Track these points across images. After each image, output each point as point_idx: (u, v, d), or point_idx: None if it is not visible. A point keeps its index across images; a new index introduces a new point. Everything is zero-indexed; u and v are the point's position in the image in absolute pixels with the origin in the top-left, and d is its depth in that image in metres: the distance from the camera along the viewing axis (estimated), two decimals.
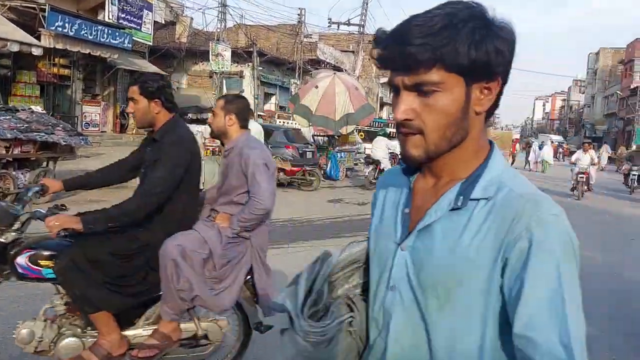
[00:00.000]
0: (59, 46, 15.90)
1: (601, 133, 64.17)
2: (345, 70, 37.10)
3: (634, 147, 30.86)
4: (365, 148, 19.01)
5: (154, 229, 2.96)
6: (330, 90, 15.56)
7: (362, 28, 29.82)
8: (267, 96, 31.23)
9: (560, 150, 38.33)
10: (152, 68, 22.13)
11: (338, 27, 30.00)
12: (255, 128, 12.00)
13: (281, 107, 31.10)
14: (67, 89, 18.65)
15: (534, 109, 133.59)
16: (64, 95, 18.55)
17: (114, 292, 2.85)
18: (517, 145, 31.34)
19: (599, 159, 33.03)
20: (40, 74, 17.20)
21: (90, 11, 18.53)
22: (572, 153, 36.90)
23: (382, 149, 14.95)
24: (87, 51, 16.86)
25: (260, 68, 25.61)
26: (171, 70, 26.03)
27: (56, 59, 17.62)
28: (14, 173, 8.84)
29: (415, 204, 1.13)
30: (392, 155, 15.34)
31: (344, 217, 10.26)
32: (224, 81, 24.02)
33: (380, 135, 15.58)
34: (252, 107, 28.71)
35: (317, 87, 15.71)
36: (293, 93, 31.74)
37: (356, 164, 18.66)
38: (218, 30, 25.12)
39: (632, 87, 54.14)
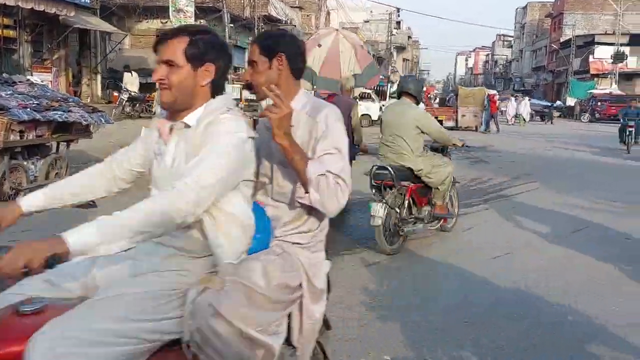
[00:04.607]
0: (10, 2, 13.30)
1: (529, 86, 66.25)
2: (295, 26, 35.29)
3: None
4: None
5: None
6: (334, 49, 14.01)
7: None
8: None
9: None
10: (107, 27, 19.57)
11: None
12: None
13: (235, 69, 29.01)
14: (14, 53, 15.91)
15: (455, 64, 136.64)
16: (9, 60, 15.81)
17: None
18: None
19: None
20: None
21: None
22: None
23: None
24: (42, 7, 14.28)
25: (231, 27, 23.35)
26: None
27: None
28: (25, 163, 6.93)
29: None
30: None
31: None
32: None
33: (393, 97, 14.36)
34: None
35: (320, 45, 14.09)
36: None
37: None
38: None
39: (562, 40, 55.82)
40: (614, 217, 7.63)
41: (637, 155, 15.73)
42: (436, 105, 28.78)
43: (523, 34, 71.13)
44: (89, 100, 19.35)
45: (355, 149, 6.81)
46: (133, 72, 19.93)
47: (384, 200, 5.47)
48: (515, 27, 77.03)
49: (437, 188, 5.88)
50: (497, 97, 26.89)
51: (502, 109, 33.00)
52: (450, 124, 24.76)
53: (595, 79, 47.91)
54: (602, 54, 47.98)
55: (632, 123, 17.37)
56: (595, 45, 49.22)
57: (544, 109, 38.14)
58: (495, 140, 20.94)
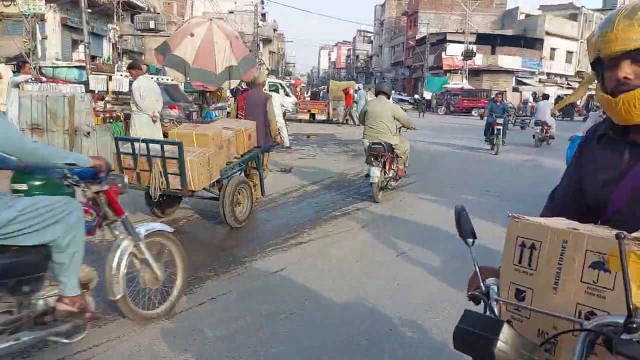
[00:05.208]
0: None
1: (389, 80, 69.48)
2: (159, 14, 33.50)
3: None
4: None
5: None
6: (208, 39, 13.27)
7: None
8: (75, 43, 26.58)
9: None
10: None
11: None
12: (150, 84, 9.58)
13: (93, 57, 26.77)
14: None
15: (319, 58, 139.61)
16: None
17: None
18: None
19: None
20: None
21: None
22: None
23: (277, 106, 13.39)
24: None
25: (88, 12, 21.29)
26: None
27: None
28: None
29: None
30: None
31: (295, 187, 8.80)
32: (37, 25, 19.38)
33: (272, 90, 13.97)
34: (61, 56, 24.20)
35: (192, 35, 13.26)
36: (112, 41, 27.57)
37: None
38: None
39: (417, 37, 59.21)
40: (491, 209, 8.00)
41: (505, 154, 15.24)
42: (308, 99, 28.91)
43: (382, 30, 74.42)
44: None
45: (272, 142, 7.71)
46: None
47: (379, 166, 7.82)
48: (375, 23, 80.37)
49: (401, 157, 8.46)
50: (352, 90, 26.42)
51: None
52: (323, 117, 25.01)
53: (448, 74, 51.47)
54: (453, 51, 51.64)
55: (500, 121, 15.27)
56: (447, 43, 52.87)
57: (399, 102, 40.19)
58: None
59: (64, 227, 2.82)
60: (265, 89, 22.64)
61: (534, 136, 17.49)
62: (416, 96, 48.63)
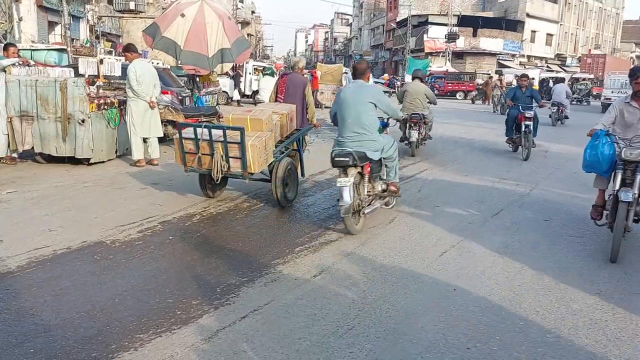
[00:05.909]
0: None
1: (369, 63, 68.88)
2: None
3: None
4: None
5: None
6: (199, 20, 12.61)
7: None
8: (51, 25, 25.44)
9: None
10: None
11: None
12: (146, 68, 8.89)
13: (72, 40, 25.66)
14: None
15: (296, 41, 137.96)
16: None
17: None
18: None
19: None
20: None
21: None
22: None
23: (271, 90, 12.83)
24: None
25: None
26: None
27: None
28: None
29: None
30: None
31: (303, 178, 8.31)
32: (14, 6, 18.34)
33: (267, 74, 13.38)
34: (37, 39, 23.14)
35: (183, 15, 12.57)
36: (90, 22, 26.45)
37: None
38: None
39: (398, 19, 58.61)
40: (520, 198, 7.64)
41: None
42: None
43: (361, 12, 73.58)
44: None
45: (310, 124, 7.73)
46: None
47: (417, 129, 10.75)
48: (354, 5, 79.43)
49: (428, 124, 11.15)
50: (318, 72, 24.17)
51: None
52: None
53: (430, 57, 51.09)
54: (436, 34, 51.25)
55: (530, 114, 10.95)
56: (429, 25, 52.44)
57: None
58: None
59: (394, 149, 5.78)
60: (259, 74, 21.85)
61: (550, 116, 19.39)
62: (398, 82, 47.90)
